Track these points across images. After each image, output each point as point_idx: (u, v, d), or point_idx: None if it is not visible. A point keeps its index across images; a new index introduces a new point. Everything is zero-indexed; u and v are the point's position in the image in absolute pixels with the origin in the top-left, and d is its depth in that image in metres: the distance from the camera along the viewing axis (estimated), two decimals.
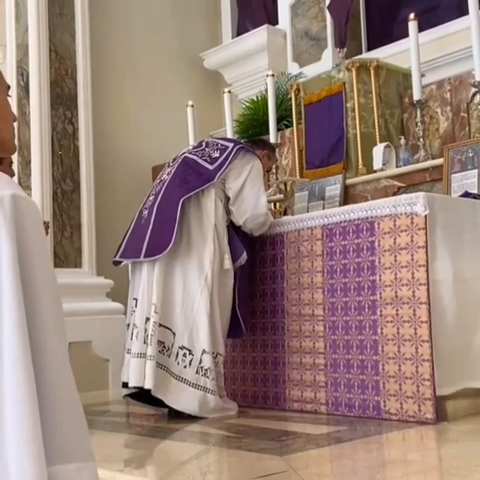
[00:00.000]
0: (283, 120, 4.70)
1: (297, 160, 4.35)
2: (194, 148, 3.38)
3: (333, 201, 3.86)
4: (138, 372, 2.96)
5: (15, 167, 4.28)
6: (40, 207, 4.36)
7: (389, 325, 2.77)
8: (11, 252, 1.03)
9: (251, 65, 5.64)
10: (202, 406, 2.94)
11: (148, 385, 2.91)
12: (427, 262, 2.69)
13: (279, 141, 4.44)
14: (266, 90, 4.59)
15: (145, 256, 3.08)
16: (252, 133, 5.08)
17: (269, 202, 4.06)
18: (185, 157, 3.29)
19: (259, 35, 5.60)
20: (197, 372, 2.97)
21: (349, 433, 2.55)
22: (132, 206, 3.86)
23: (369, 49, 5.06)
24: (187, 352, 3.00)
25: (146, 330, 3.00)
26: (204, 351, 2.98)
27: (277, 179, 4.38)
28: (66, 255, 4.69)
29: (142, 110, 5.53)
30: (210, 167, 3.17)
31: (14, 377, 0.98)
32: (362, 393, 2.85)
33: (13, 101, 4.55)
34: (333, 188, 3.90)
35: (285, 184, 4.20)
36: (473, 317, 2.79)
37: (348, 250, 2.98)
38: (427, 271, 2.68)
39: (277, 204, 4.32)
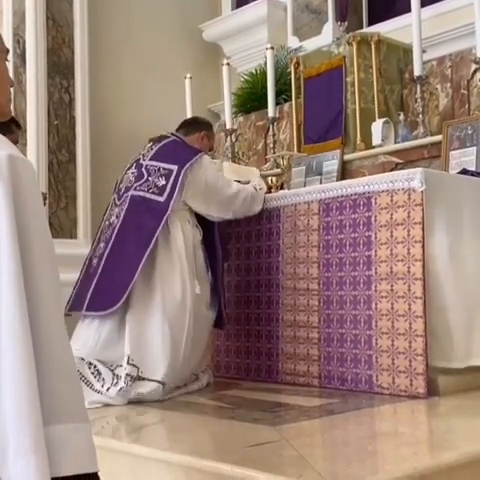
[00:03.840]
0: (282, 94, 4.66)
1: (295, 134, 4.33)
2: (136, 181, 3.05)
3: (330, 176, 3.84)
4: None
5: None
6: None
7: (383, 300, 2.78)
8: (9, 214, 1.02)
9: (250, 38, 5.58)
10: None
11: None
12: (423, 238, 2.69)
13: (277, 115, 4.41)
14: (265, 63, 4.54)
15: (87, 310, 2.87)
16: (250, 107, 5.05)
17: (267, 176, 4.04)
18: (132, 196, 3.01)
19: (259, 7, 5.53)
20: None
21: (341, 406, 2.57)
22: None
23: (370, 24, 5.00)
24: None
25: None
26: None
27: (274, 153, 4.36)
28: (61, 226, 4.68)
29: (140, 81, 5.48)
30: (161, 199, 2.93)
31: (12, 339, 0.98)
32: (355, 367, 2.87)
33: (9, 69, 4.49)
34: (331, 163, 3.89)
35: (282, 158, 4.18)
36: (469, 293, 2.80)
37: (344, 225, 2.97)
38: (423, 247, 2.68)
39: (274, 178, 4.30)
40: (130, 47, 5.47)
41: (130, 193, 3.04)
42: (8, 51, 1.29)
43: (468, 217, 2.87)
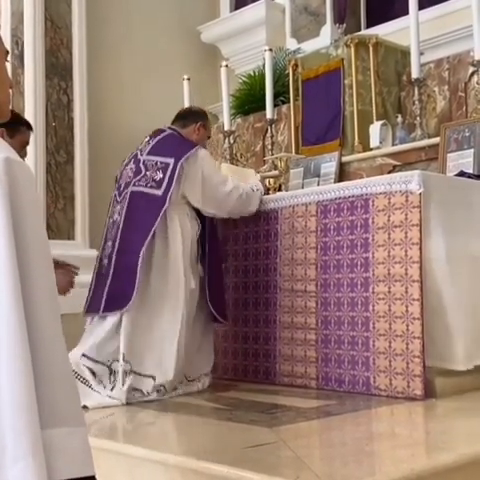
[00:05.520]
0: (280, 96, 4.67)
1: (293, 136, 4.33)
2: (135, 176, 3.08)
3: (328, 178, 3.85)
4: None
5: None
6: None
7: (381, 302, 2.79)
8: (6, 217, 1.02)
9: (249, 39, 5.60)
10: None
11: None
12: (420, 240, 2.69)
13: (275, 117, 4.42)
14: (263, 65, 4.55)
15: (104, 310, 2.93)
16: (248, 108, 5.05)
17: (265, 178, 4.04)
18: (131, 192, 3.05)
19: (257, 9, 5.54)
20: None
21: (338, 407, 2.57)
22: None
23: (368, 26, 5.01)
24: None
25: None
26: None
27: (272, 155, 4.36)
28: (59, 227, 4.68)
29: (138, 83, 5.48)
30: (158, 193, 2.97)
31: (8, 341, 0.98)
32: (352, 369, 2.87)
33: (8, 70, 4.50)
34: (328, 165, 3.89)
35: (280, 160, 4.18)
36: (466, 295, 2.80)
37: (342, 227, 2.98)
38: (420, 249, 2.69)
39: (272, 180, 4.30)
40: (128, 48, 5.47)
41: (130, 189, 3.08)
42: (8, 52, 1.29)
43: (465, 219, 2.87)
